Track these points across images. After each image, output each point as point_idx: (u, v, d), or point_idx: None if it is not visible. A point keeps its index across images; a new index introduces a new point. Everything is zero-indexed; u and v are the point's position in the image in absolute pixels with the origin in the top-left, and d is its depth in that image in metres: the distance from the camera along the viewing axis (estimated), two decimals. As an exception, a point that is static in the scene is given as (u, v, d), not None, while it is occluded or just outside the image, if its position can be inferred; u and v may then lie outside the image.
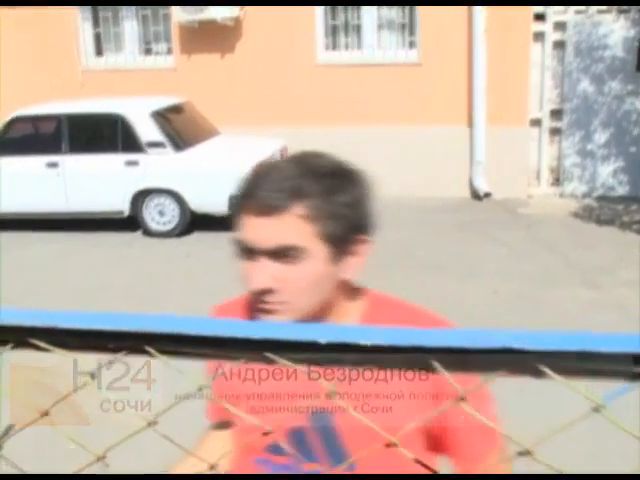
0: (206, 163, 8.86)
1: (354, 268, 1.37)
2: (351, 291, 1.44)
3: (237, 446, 1.52)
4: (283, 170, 1.32)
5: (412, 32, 10.50)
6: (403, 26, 10.59)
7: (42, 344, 0.70)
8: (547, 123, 10.32)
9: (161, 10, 11.15)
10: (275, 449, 1.41)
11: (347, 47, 10.83)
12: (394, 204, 10.09)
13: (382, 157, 10.49)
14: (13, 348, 0.72)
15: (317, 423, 1.37)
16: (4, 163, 9.30)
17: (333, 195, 1.30)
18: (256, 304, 1.34)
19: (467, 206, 9.93)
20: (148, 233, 9.20)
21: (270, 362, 0.67)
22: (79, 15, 11.39)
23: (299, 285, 1.31)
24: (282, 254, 1.29)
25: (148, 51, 11.61)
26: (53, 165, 9.15)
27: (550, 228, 8.77)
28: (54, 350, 0.70)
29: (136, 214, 9.19)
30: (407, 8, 10.40)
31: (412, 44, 10.54)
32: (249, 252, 1.32)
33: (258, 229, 1.29)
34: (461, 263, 7.50)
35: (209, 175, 8.70)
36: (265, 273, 1.30)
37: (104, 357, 0.71)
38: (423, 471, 1.37)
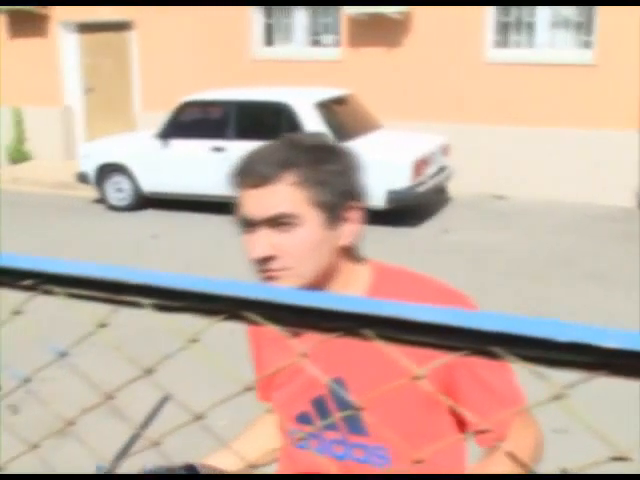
0: (366, 156, 8.81)
1: (350, 234, 1.44)
2: (354, 260, 1.50)
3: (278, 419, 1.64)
4: (272, 146, 1.43)
5: (589, 31, 10.09)
6: (579, 25, 10.19)
7: (255, 317, 0.68)
8: None
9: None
10: (303, 418, 1.51)
11: (518, 45, 10.54)
12: (556, 209, 9.76)
13: (546, 160, 10.18)
14: (225, 319, 0.70)
15: (333, 389, 1.45)
16: (173, 145, 9.69)
17: (321, 164, 1.39)
18: (259, 273, 1.42)
19: (633, 216, 9.45)
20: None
21: (494, 357, 0.62)
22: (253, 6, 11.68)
23: (297, 250, 1.38)
24: (278, 222, 1.37)
25: (316, 42, 11.76)
26: (219, 149, 9.43)
27: None
28: (267, 324, 0.68)
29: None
30: (585, 6, 9.99)
31: (588, 44, 10.13)
32: (248, 224, 1.41)
33: (253, 200, 1.39)
34: (625, 274, 7.13)
35: (368, 168, 8.67)
36: (264, 241, 1.38)
37: (307, 337, 0.68)
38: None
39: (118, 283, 0.75)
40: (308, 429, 1.48)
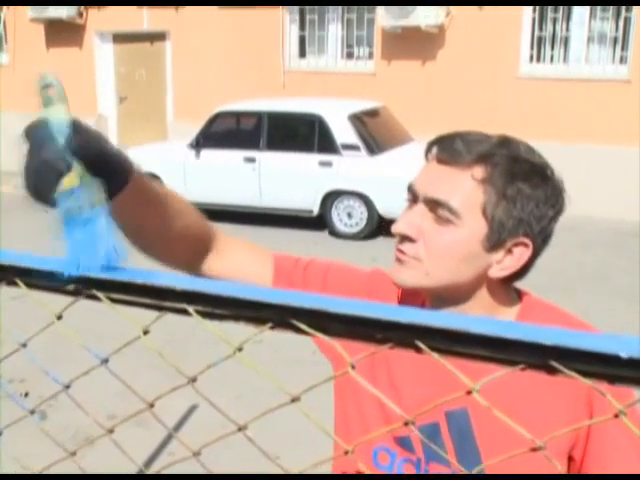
0: (398, 169, 8.83)
1: (504, 268, 1.23)
2: (507, 295, 1.32)
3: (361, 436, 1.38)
4: (487, 136, 1.24)
5: (624, 47, 10.00)
6: (615, 40, 10.11)
7: (303, 326, 0.67)
8: None
9: (366, 14, 11.26)
10: (404, 442, 1.32)
11: (552, 60, 10.48)
12: (588, 224, 9.66)
13: (577, 175, 10.07)
14: (272, 328, 0.69)
15: (452, 421, 1.28)
16: (205, 155, 9.73)
17: (519, 179, 1.19)
18: (396, 247, 1.26)
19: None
20: (334, 234, 9.31)
21: (552, 372, 0.60)
22: (287, 17, 11.73)
23: (439, 249, 1.21)
24: (439, 208, 1.20)
25: (350, 55, 11.77)
26: (250, 160, 9.46)
27: None
28: (315, 334, 0.66)
29: (324, 214, 9.32)
30: (621, 21, 9.92)
31: (623, 59, 10.04)
32: (413, 196, 1.25)
33: (430, 174, 1.23)
34: (659, 294, 7.03)
35: (400, 181, 8.65)
36: (413, 219, 1.22)
37: (360, 347, 0.67)
38: None
39: (163, 289, 0.74)
40: (407, 454, 1.32)
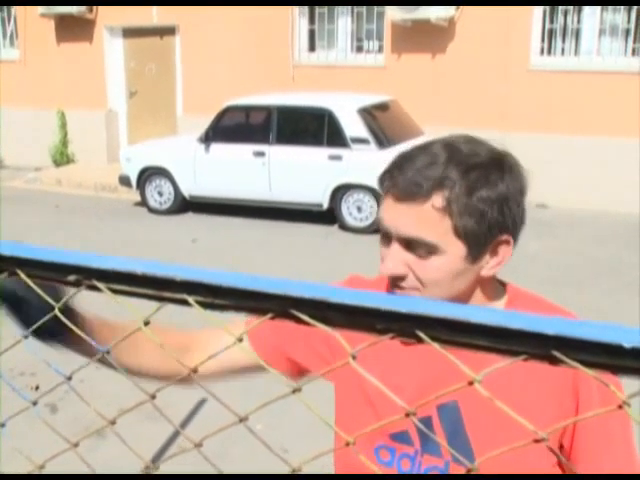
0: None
1: (493, 267, 1.30)
2: (493, 287, 1.38)
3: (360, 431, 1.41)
4: (431, 156, 1.24)
5: (637, 39, 9.93)
6: (627, 32, 10.04)
7: (304, 316, 0.66)
8: None
9: (376, 8, 11.22)
10: (401, 437, 1.36)
11: (563, 52, 10.42)
12: (599, 218, 9.62)
13: (590, 169, 10.04)
14: (273, 318, 0.68)
15: (444, 414, 1.32)
16: (214, 149, 9.74)
17: (477, 190, 1.21)
18: (390, 286, 1.31)
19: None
20: (344, 228, 9.30)
21: (555, 362, 0.59)
22: (296, 11, 11.70)
23: (429, 277, 1.25)
24: (414, 245, 1.24)
25: (359, 49, 11.74)
26: (260, 154, 9.45)
27: None
28: (315, 324, 0.66)
29: (334, 208, 9.31)
30: (634, 12, 9.84)
31: (635, 51, 9.97)
32: (385, 233, 1.29)
33: (394, 214, 1.25)
34: (671, 287, 6.99)
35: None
36: (397, 259, 1.26)
37: (362, 337, 0.66)
38: None
39: (164, 279, 0.73)
40: (406, 449, 1.36)
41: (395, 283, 1.29)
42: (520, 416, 0.65)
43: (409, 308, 0.62)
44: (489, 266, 1.29)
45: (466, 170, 1.21)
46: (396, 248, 1.26)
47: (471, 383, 0.64)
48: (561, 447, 1.31)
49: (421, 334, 0.62)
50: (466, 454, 1.30)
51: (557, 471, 1.33)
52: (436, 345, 0.61)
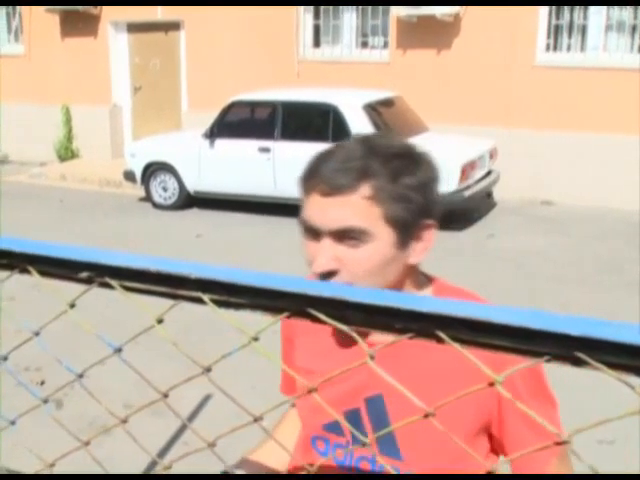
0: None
1: (420, 253, 1.34)
2: (418, 278, 1.42)
3: (302, 422, 1.56)
4: (349, 150, 1.29)
5: (642, 35, 9.90)
6: (633, 28, 10.00)
7: (321, 315, 0.65)
8: None
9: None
10: (333, 428, 1.43)
11: (569, 49, 10.38)
12: (603, 215, 9.60)
13: (594, 166, 10.02)
14: (289, 317, 0.67)
15: (371, 406, 1.38)
16: (219, 145, 9.72)
17: (400, 177, 1.27)
18: None
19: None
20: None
21: (578, 364, 0.58)
22: (301, 6, 11.67)
23: (362, 267, 1.28)
24: (346, 236, 1.26)
25: (364, 44, 11.71)
26: (265, 150, 9.44)
27: None
28: (333, 323, 0.65)
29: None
30: (640, 9, 9.81)
31: (641, 48, 9.94)
32: (313, 232, 1.30)
33: (322, 209, 1.27)
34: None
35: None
36: (328, 254, 1.28)
37: (380, 338, 0.65)
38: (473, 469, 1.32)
39: (178, 277, 0.72)
40: (339, 439, 1.43)
41: (325, 280, 1.30)
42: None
43: (430, 308, 0.61)
44: (416, 253, 1.33)
45: (386, 160, 1.26)
46: (327, 243, 1.28)
47: (492, 384, 0.63)
48: (491, 437, 1.37)
49: (441, 334, 0.61)
50: (390, 445, 1.35)
51: (493, 458, 1.40)
52: (457, 346, 0.60)
